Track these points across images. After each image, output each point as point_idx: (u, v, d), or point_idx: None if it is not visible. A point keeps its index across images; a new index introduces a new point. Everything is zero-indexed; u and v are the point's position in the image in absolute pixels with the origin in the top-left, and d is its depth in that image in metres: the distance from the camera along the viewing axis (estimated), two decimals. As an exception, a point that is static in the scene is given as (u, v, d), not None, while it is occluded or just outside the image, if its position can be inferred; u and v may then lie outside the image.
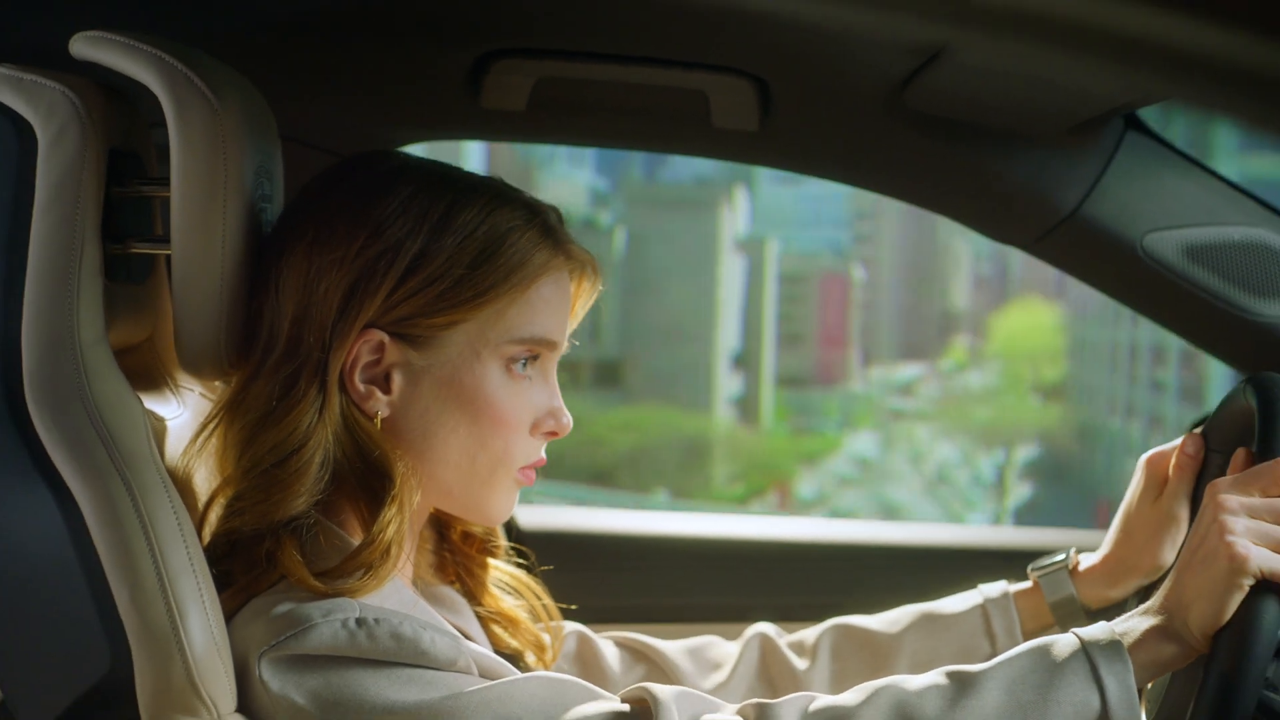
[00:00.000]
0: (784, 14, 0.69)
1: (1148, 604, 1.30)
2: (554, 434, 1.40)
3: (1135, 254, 1.77)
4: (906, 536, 2.35)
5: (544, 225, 1.37)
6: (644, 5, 1.46)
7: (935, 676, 1.27)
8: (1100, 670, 1.24)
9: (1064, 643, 1.26)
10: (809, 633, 1.66)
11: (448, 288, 1.31)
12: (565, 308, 1.39)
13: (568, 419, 1.40)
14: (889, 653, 1.61)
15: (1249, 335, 1.78)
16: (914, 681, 1.26)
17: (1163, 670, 1.27)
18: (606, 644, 1.66)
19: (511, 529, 2.20)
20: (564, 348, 1.41)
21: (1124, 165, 1.75)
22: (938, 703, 1.24)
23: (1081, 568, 1.58)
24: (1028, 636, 1.57)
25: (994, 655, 1.52)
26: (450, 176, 1.37)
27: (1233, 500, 1.27)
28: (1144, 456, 1.54)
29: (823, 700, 1.26)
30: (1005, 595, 1.59)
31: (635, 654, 1.67)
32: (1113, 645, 1.24)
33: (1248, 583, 1.23)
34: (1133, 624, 1.28)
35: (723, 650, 1.66)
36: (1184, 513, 1.51)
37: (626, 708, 1.26)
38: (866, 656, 1.62)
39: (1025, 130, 1.71)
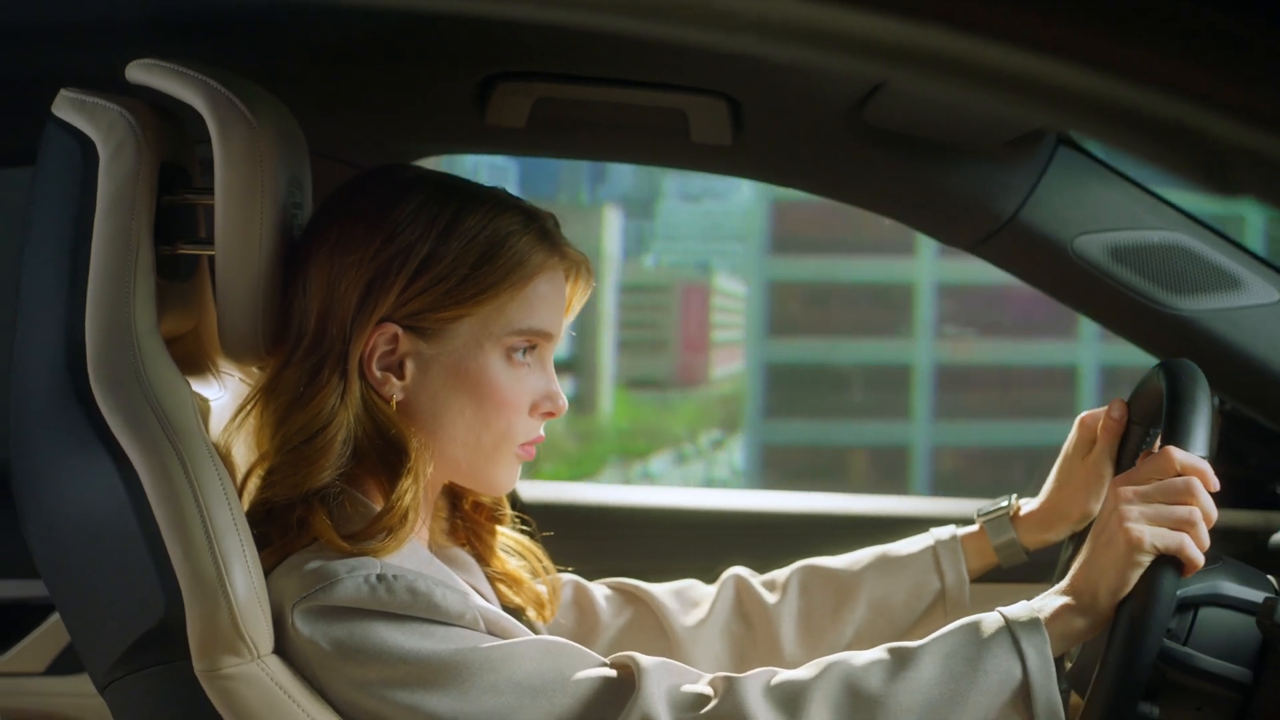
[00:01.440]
0: (745, 47, 0.73)
1: (1061, 584, 1.35)
2: (551, 414, 1.42)
3: (1067, 255, 1.81)
4: (878, 508, 2.37)
5: (540, 229, 1.40)
6: (629, 36, 1.51)
7: (878, 653, 1.31)
8: (1021, 643, 1.28)
9: (990, 620, 1.31)
10: (780, 572, 1.69)
11: (454, 286, 1.34)
12: (560, 303, 1.42)
13: (563, 401, 1.43)
14: (850, 589, 1.65)
15: (1166, 326, 1.82)
16: (860, 658, 1.31)
17: (1076, 640, 1.33)
18: (600, 588, 1.69)
19: (514, 501, 2.21)
20: (560, 339, 1.44)
21: (1056, 176, 1.79)
22: (881, 674, 1.29)
23: (1021, 513, 1.62)
24: (973, 575, 1.62)
25: (943, 591, 1.62)
26: (456, 186, 1.40)
27: (1128, 491, 1.32)
28: (1079, 416, 1.59)
29: (782, 675, 1.31)
30: (954, 538, 1.63)
31: (626, 596, 1.69)
32: (1032, 621, 1.30)
33: (1146, 559, 1.29)
34: (1049, 601, 1.33)
35: (702, 590, 1.70)
36: (1109, 469, 1.56)
37: (614, 673, 1.31)
38: (830, 592, 1.65)
39: (966, 145, 1.76)
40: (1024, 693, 1.27)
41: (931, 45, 0.70)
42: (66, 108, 1.35)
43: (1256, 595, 1.41)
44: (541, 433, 1.44)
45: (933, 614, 1.63)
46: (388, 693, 1.27)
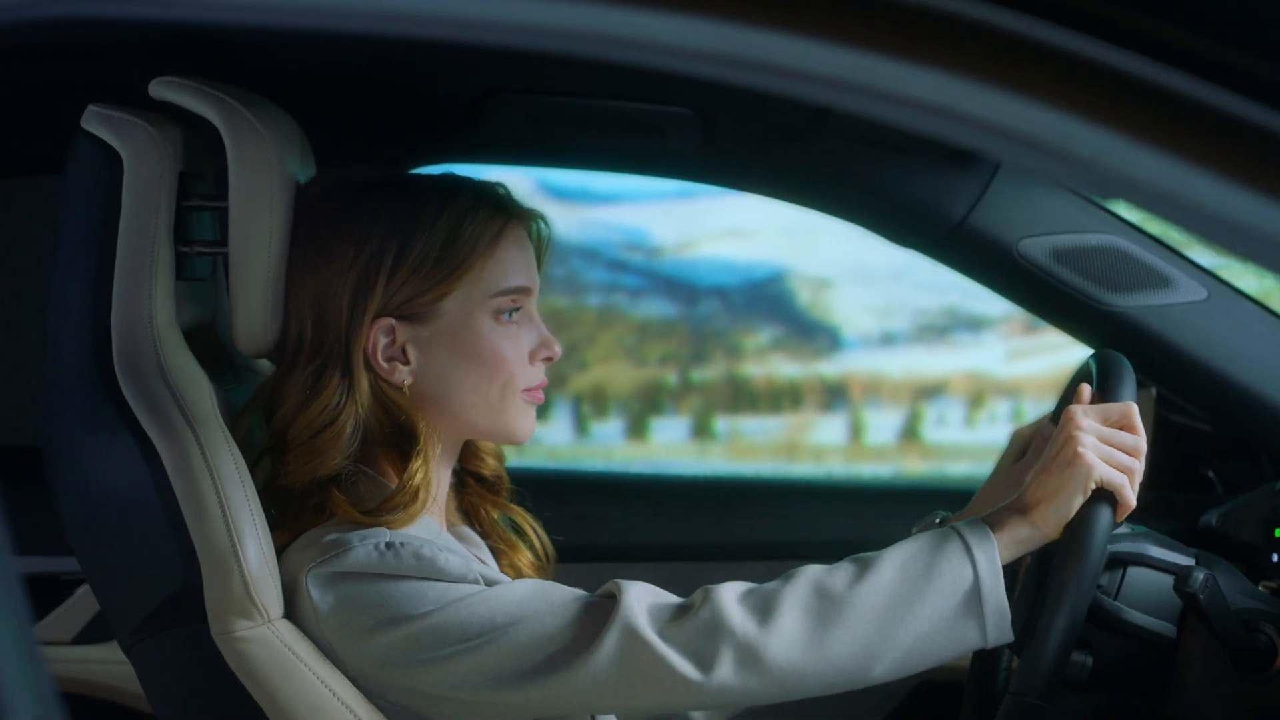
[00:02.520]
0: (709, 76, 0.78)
1: (1012, 499, 1.37)
2: (549, 359, 1.44)
3: (1012, 256, 1.85)
4: (850, 477, 2.38)
5: (493, 199, 1.42)
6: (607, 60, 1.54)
7: (844, 562, 1.33)
8: (973, 549, 1.30)
9: (944, 531, 1.33)
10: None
11: (430, 270, 1.37)
12: (528, 258, 1.44)
13: (558, 346, 1.45)
14: None
15: (1103, 322, 1.86)
16: (827, 567, 1.33)
17: (1022, 550, 1.35)
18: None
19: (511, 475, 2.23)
20: (537, 289, 1.45)
21: (1003, 183, 1.82)
22: (845, 578, 1.30)
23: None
24: None
25: None
26: (406, 182, 1.45)
27: (1084, 421, 1.34)
28: (1012, 431, 1.60)
29: (754, 585, 1.33)
30: None
31: None
32: (982, 530, 1.32)
33: (1091, 485, 1.31)
34: (999, 514, 1.35)
35: None
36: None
37: (596, 597, 1.33)
38: None
39: (920, 152, 1.79)
40: (975, 593, 1.29)
41: (863, 78, 0.74)
42: (94, 121, 1.36)
43: (1178, 559, 1.46)
44: (544, 378, 1.46)
45: None
46: (395, 650, 1.29)
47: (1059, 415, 1.51)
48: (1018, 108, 0.69)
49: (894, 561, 1.31)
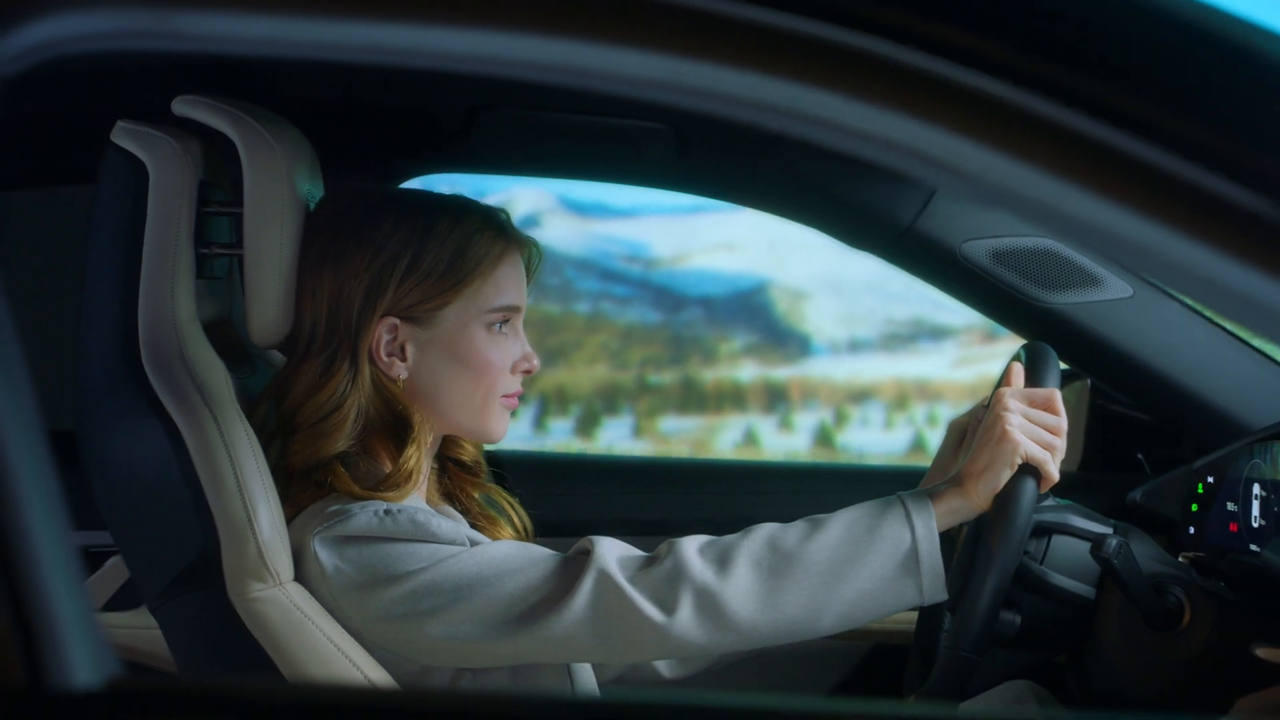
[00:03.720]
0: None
1: (951, 473, 1.42)
2: (528, 371, 1.49)
3: (956, 258, 1.89)
4: (820, 462, 2.36)
5: (497, 224, 1.47)
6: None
7: (798, 521, 1.37)
8: (912, 516, 1.35)
9: (889, 499, 1.37)
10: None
11: (436, 280, 1.42)
12: (522, 279, 1.49)
13: (537, 360, 1.50)
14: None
15: (1038, 317, 1.90)
16: (781, 525, 1.37)
17: (958, 518, 1.39)
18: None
19: (496, 458, 2.17)
20: (524, 308, 1.50)
21: (946, 192, 1.87)
22: (796, 535, 1.35)
23: None
24: None
25: None
26: (422, 200, 1.49)
27: (1012, 402, 1.39)
28: (949, 420, 1.64)
29: (715, 539, 1.37)
30: None
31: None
32: (922, 499, 1.37)
33: (1018, 460, 1.36)
34: (938, 486, 1.40)
35: None
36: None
37: (573, 553, 1.37)
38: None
39: (871, 164, 1.83)
40: (913, 555, 1.33)
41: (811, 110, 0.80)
42: (123, 136, 1.39)
43: (1098, 529, 1.51)
44: (520, 388, 1.51)
45: None
46: (394, 604, 1.33)
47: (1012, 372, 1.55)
48: (916, 129, 0.75)
49: (841, 522, 1.35)
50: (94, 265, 1.43)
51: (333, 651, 1.33)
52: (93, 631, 0.76)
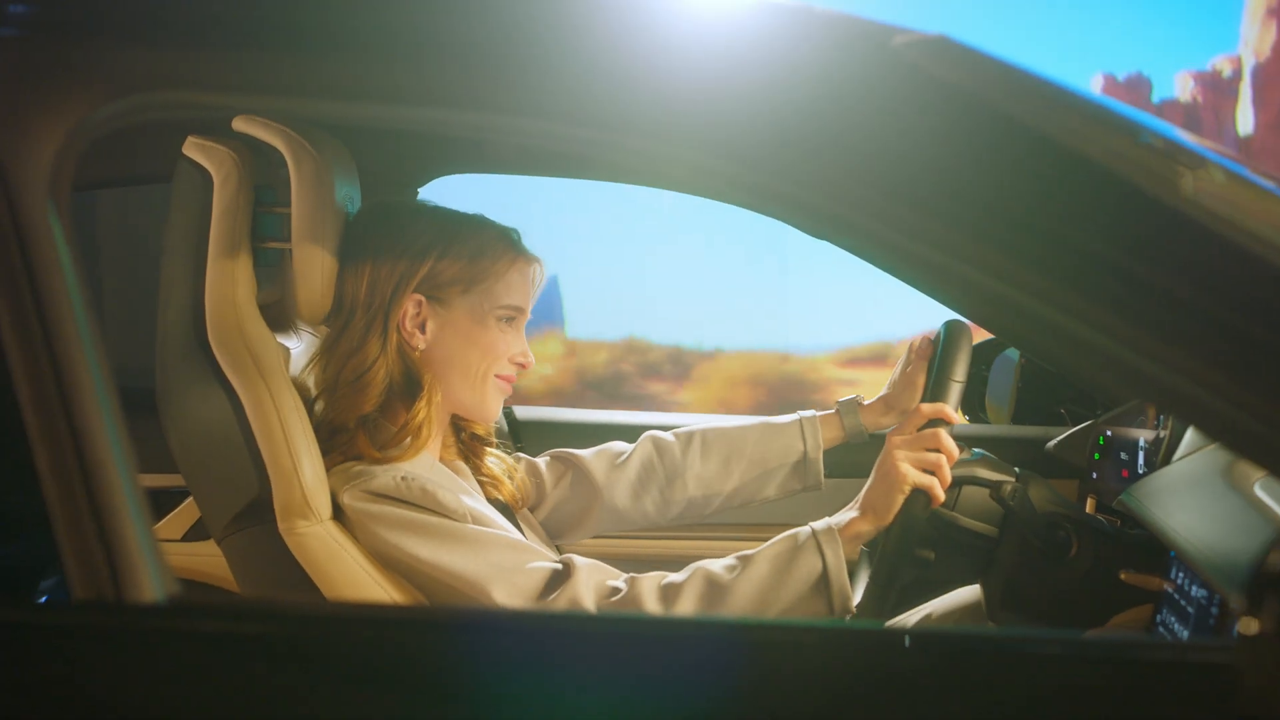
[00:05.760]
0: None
1: (853, 503, 1.50)
2: (523, 365, 1.56)
3: None
4: None
5: (509, 238, 1.55)
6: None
7: (729, 559, 1.45)
8: (822, 546, 1.44)
9: (803, 532, 1.46)
10: (688, 429, 1.79)
11: (458, 271, 1.50)
12: (527, 288, 1.56)
13: (532, 356, 1.56)
14: (740, 445, 1.75)
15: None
16: (717, 562, 1.45)
17: (862, 541, 1.49)
18: (542, 459, 1.82)
19: (511, 421, 2.27)
20: (528, 313, 1.56)
21: None
22: (728, 572, 1.43)
23: (865, 403, 1.75)
24: (828, 445, 1.76)
25: (804, 453, 1.74)
26: (448, 211, 1.56)
27: (899, 440, 1.51)
28: (910, 340, 1.71)
29: (669, 577, 1.44)
30: (815, 416, 1.76)
31: (561, 461, 1.81)
32: (829, 531, 1.46)
33: (907, 487, 1.47)
34: (844, 516, 1.49)
35: (622, 446, 1.81)
36: (921, 378, 1.68)
37: (559, 566, 1.43)
38: (725, 443, 1.76)
39: None
40: (824, 579, 1.42)
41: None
42: (192, 148, 1.44)
43: (1002, 478, 1.62)
44: (514, 374, 1.57)
45: (795, 471, 1.75)
46: (402, 549, 1.41)
47: (937, 345, 1.66)
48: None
49: (765, 557, 1.44)
50: (168, 256, 1.48)
51: (363, 575, 1.41)
52: (159, 557, 0.87)
